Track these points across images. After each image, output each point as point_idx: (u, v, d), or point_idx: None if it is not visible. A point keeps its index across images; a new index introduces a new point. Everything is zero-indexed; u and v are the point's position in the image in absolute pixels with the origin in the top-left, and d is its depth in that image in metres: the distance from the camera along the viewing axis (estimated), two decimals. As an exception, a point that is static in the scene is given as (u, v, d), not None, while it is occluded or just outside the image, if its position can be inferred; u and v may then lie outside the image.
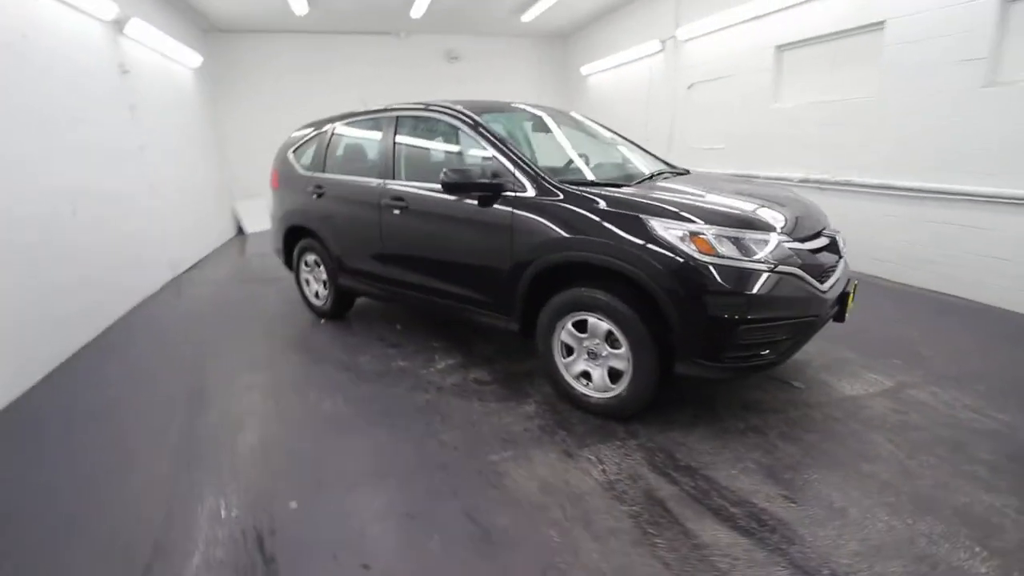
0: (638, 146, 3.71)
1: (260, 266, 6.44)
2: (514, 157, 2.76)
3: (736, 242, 2.19)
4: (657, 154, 3.81)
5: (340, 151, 3.93)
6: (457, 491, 2.13)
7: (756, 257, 2.17)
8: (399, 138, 3.40)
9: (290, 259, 4.44)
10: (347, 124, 3.89)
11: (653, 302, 2.29)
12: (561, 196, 2.56)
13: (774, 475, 2.16)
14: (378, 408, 2.84)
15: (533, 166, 2.71)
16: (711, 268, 2.14)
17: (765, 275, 2.16)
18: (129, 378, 3.37)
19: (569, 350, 2.64)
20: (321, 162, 3.98)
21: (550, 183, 2.62)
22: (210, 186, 7.93)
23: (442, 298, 3.19)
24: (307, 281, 4.34)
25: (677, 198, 2.44)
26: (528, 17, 8.22)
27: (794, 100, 5.55)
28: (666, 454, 2.31)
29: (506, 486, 2.15)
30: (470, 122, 2.99)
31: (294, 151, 4.30)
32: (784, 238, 2.28)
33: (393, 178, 3.36)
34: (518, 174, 2.71)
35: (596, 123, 3.82)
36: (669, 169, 3.38)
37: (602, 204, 2.44)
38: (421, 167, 3.40)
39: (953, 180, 4.04)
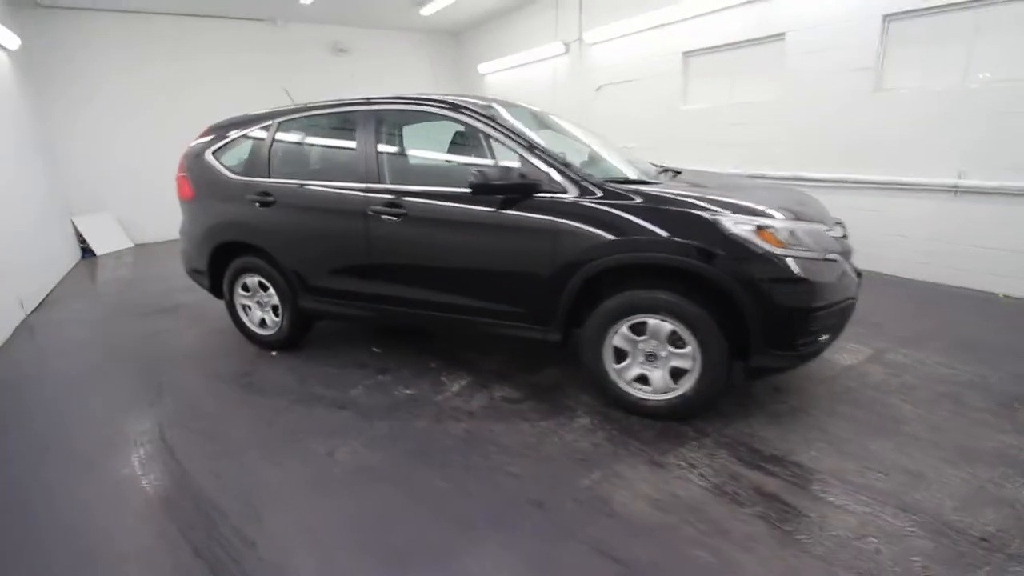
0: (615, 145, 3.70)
1: (144, 293, 5.25)
2: (548, 157, 2.56)
3: (792, 234, 2.27)
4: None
5: (291, 152, 3.33)
6: (569, 527, 1.91)
7: (810, 247, 2.28)
8: (384, 136, 2.97)
9: (217, 283, 3.66)
10: (298, 120, 3.30)
11: (719, 298, 2.29)
12: (602, 195, 2.44)
13: (843, 451, 2.28)
14: (411, 448, 2.45)
15: (571, 166, 2.54)
16: (784, 260, 2.19)
17: (823, 263, 2.28)
18: (34, 474, 2.47)
19: (620, 355, 2.54)
20: (263, 165, 3.32)
21: (591, 182, 2.48)
22: (45, 199, 6.26)
23: (458, 314, 2.86)
24: (246, 308, 3.61)
25: (722, 196, 2.45)
26: (428, 11, 7.87)
27: (704, 102, 6.08)
28: (746, 447, 2.33)
29: (618, 511, 1.97)
30: (485, 118, 2.71)
31: (215, 152, 3.54)
32: (825, 227, 2.43)
33: (379, 182, 2.92)
34: (554, 175, 2.52)
35: (564, 120, 3.71)
36: (665, 168, 3.43)
37: (656, 203, 2.36)
38: (420, 169, 3.02)
39: (855, 171, 4.74)
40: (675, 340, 2.40)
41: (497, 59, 9.06)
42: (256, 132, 3.41)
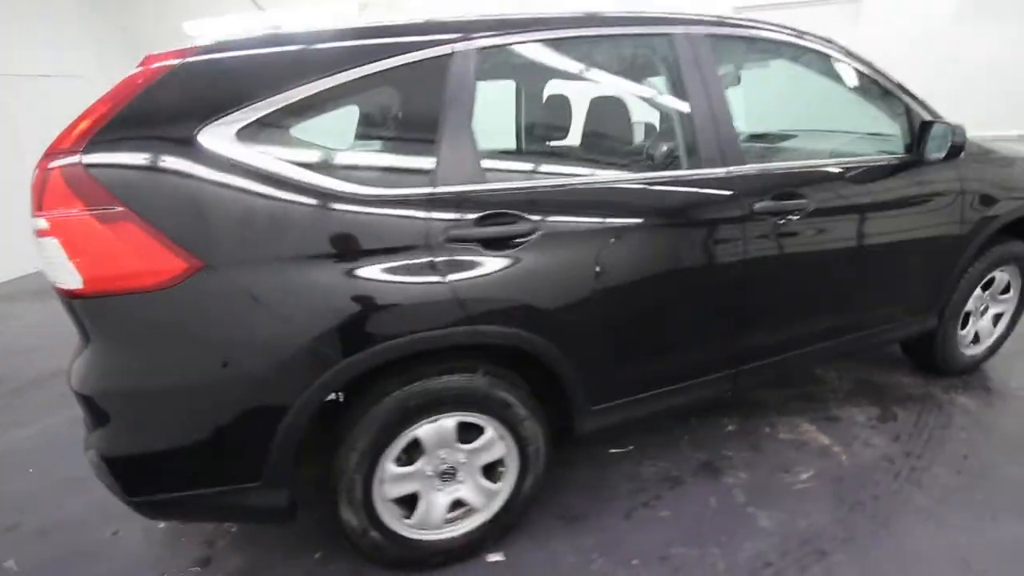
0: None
1: None
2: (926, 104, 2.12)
3: None
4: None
5: (537, 120, 1.60)
6: None
7: None
8: (727, 85, 1.74)
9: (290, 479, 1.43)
10: (541, 46, 1.57)
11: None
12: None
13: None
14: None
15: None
16: None
17: None
18: None
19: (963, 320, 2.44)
20: (467, 154, 1.41)
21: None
22: None
23: (839, 336, 2.07)
24: (405, 501, 1.56)
25: None
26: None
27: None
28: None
29: None
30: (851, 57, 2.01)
31: (259, 135, 1.31)
32: None
33: (742, 162, 1.72)
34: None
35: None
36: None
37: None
38: (781, 134, 1.95)
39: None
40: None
41: (220, 16, 6.28)
42: (401, 68, 1.37)
